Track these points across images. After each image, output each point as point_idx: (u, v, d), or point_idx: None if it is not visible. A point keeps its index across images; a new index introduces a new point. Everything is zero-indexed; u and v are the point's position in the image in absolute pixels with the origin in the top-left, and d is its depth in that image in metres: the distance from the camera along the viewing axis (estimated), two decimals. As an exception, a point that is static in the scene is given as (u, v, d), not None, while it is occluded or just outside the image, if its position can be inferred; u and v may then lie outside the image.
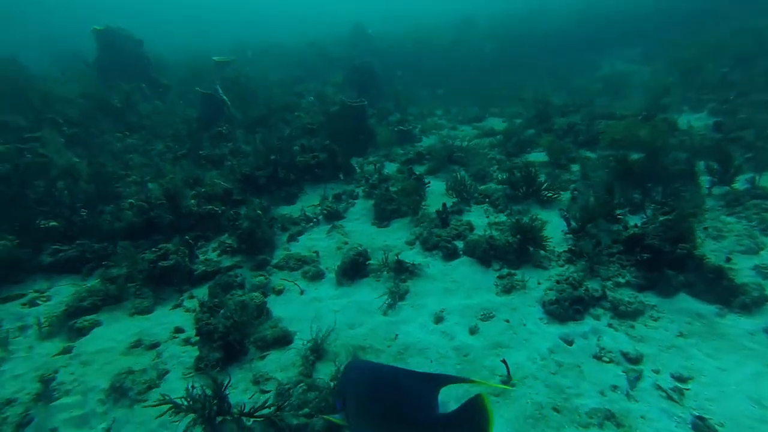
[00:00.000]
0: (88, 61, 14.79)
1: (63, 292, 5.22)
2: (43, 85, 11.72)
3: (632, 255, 4.78)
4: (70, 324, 4.52)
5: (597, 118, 9.69)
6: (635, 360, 3.64)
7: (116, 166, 8.33)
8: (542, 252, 5.23)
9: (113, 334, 4.42)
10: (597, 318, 4.21)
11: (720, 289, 4.28)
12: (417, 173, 7.90)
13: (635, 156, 6.96)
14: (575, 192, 6.64)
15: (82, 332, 4.45)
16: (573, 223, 5.52)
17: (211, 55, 17.25)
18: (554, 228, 5.75)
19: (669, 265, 4.49)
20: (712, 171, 6.64)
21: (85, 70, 14.54)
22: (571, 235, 5.53)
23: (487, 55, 21.04)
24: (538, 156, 8.75)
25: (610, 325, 4.09)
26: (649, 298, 4.39)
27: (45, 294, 5.21)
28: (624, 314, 4.19)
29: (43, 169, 7.19)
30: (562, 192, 6.78)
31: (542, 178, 6.82)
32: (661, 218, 4.85)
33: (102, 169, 7.73)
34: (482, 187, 7.36)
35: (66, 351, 4.20)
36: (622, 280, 4.61)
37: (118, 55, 14.11)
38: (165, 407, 3.00)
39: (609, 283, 4.60)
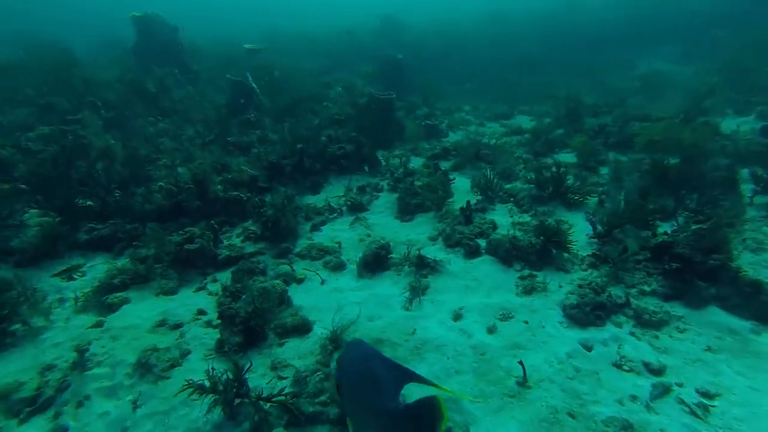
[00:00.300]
0: (126, 47, 15.25)
1: (97, 268, 5.46)
2: (85, 70, 12.16)
3: (660, 263, 4.64)
4: (102, 300, 4.74)
5: (631, 120, 9.37)
6: (658, 371, 3.54)
7: (148, 150, 8.61)
8: (565, 255, 5.13)
9: (140, 312, 4.60)
10: (619, 325, 4.11)
11: (757, 305, 4.10)
12: (442, 169, 7.85)
13: (671, 160, 6.71)
14: (603, 195, 6.46)
15: (112, 308, 4.66)
16: (599, 227, 5.38)
17: (243, 42, 17.51)
18: (579, 231, 5.63)
19: (700, 276, 4.33)
20: (757, 179, 6.33)
21: (123, 56, 15.01)
22: (596, 240, 5.40)
23: (519, 51, 20.56)
24: (566, 157, 8.54)
25: (632, 334, 3.99)
26: (676, 309, 4.25)
27: (81, 269, 5.46)
28: (648, 323, 4.08)
29: (84, 150, 7.49)
30: (589, 195, 6.61)
31: (570, 180, 6.67)
32: (694, 227, 4.67)
33: (135, 152, 8.01)
34: (508, 186, 7.26)
35: (98, 325, 4.40)
36: (647, 289, 4.48)
37: (154, 41, 14.49)
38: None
39: (633, 291, 4.48)
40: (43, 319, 4.44)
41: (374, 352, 2.48)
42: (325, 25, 27.17)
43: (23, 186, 6.48)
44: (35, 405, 3.46)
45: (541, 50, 20.52)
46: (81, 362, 3.84)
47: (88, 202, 6.18)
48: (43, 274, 5.26)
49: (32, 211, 6.10)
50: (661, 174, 6.33)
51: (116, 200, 6.30)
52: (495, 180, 6.98)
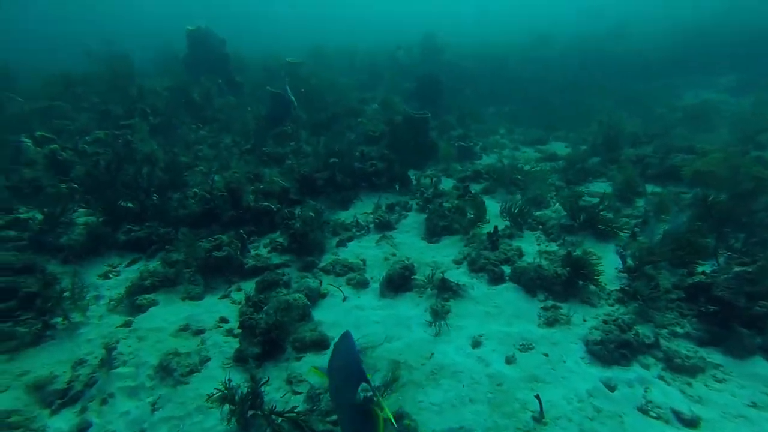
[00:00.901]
0: (178, 57, 16.16)
1: (130, 269, 5.73)
2: (140, 79, 12.97)
3: (695, 305, 4.40)
4: (132, 300, 4.96)
5: (673, 151, 9.01)
6: (690, 422, 3.32)
7: (187, 156, 9.01)
8: (592, 287, 4.97)
9: (166, 315, 4.77)
10: (646, 367, 3.91)
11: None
12: (472, 192, 7.79)
13: (716, 195, 6.38)
14: (636, 228, 6.22)
15: (141, 309, 4.87)
16: (629, 261, 5.18)
17: (287, 55, 18.16)
18: (608, 264, 5.43)
19: (743, 322, 4.07)
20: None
21: (174, 66, 15.91)
22: (625, 274, 5.19)
23: (561, 76, 20.25)
24: (600, 186, 8.30)
25: (661, 378, 3.79)
26: (713, 356, 4.00)
27: (116, 269, 5.74)
28: (679, 368, 3.86)
29: (131, 155, 7.94)
30: (622, 227, 6.38)
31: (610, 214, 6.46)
32: (737, 269, 4.41)
33: (176, 158, 8.41)
34: (537, 213, 7.12)
35: (127, 324, 4.61)
36: (680, 331, 4.26)
37: (203, 53, 15.25)
38: (204, 392, 3.22)
39: (664, 332, 4.27)
40: (80, 315, 4.69)
41: (354, 349, 2.78)
42: (369, 41, 27.78)
43: (76, 186, 6.92)
44: (65, 398, 3.65)
45: (583, 75, 20.12)
46: (109, 360, 4.02)
47: (129, 204, 6.51)
48: (85, 272, 5.56)
49: (81, 210, 6.51)
50: (704, 209, 6.03)
51: (154, 204, 6.61)
52: (524, 206, 6.86)
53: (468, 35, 29.25)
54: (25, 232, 5.68)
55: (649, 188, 7.89)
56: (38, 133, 7.96)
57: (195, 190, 6.84)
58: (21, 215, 6.08)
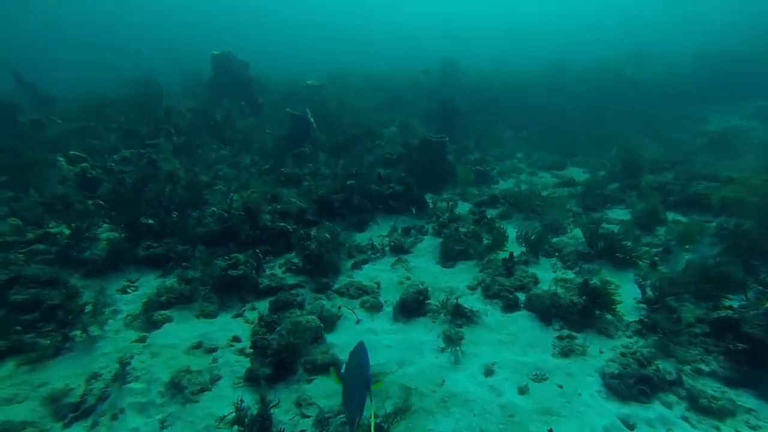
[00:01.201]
0: (203, 80, 16.84)
1: (148, 284, 5.84)
2: (166, 100, 13.53)
3: (722, 341, 4.22)
4: (148, 315, 5.04)
5: (696, 179, 8.81)
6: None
7: (208, 175, 9.26)
8: (609, 317, 4.83)
9: (180, 332, 4.83)
10: (668, 406, 3.75)
11: None
12: (488, 216, 7.75)
13: (746, 224, 6.16)
14: (656, 258, 6.05)
15: (156, 325, 4.93)
16: (649, 292, 5.02)
17: (306, 78, 18.71)
18: (626, 294, 5.29)
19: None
20: None
21: (199, 88, 16.57)
22: (645, 305, 5.03)
23: (578, 101, 20.20)
24: (619, 213, 8.16)
25: (684, 419, 3.62)
26: (744, 399, 3.78)
27: (134, 284, 5.87)
28: (706, 410, 3.66)
29: (155, 174, 8.22)
30: (641, 256, 6.21)
31: (629, 242, 6.30)
32: None
33: (196, 177, 8.65)
34: (554, 239, 7.02)
35: (141, 340, 4.67)
36: (705, 368, 4.07)
37: (226, 76, 15.86)
38: (213, 412, 3.22)
39: (687, 368, 4.10)
40: (99, 328, 4.79)
41: (365, 358, 3.37)
42: (392, 60, 28.35)
43: (102, 202, 7.18)
44: (78, 411, 3.69)
45: (603, 100, 20.02)
46: (122, 375, 4.07)
47: (150, 221, 6.70)
48: (105, 286, 5.69)
49: (105, 225, 6.73)
50: (732, 239, 5.82)
51: (173, 221, 6.78)
52: (541, 233, 6.78)
53: (487, 60, 29.59)
54: (53, 246, 5.89)
55: (670, 216, 7.70)
56: (72, 152, 8.34)
57: (213, 208, 6.98)
58: (51, 230, 6.33)
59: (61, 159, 7.99)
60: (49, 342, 4.41)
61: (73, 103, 13.50)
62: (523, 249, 6.66)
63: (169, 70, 21.62)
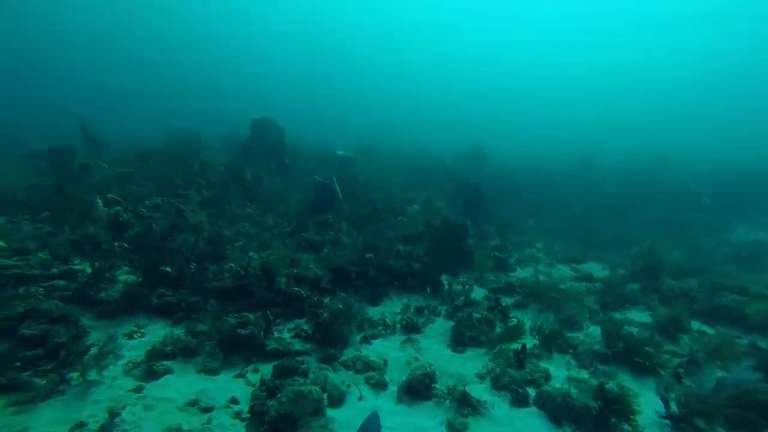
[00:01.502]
0: (240, 140, 18.06)
1: (155, 332, 5.79)
2: (205, 154, 14.43)
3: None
4: (150, 364, 4.94)
5: (722, 290, 8.57)
6: None
7: (231, 231, 9.53)
8: (627, 428, 4.49)
9: (179, 385, 4.69)
10: None
11: None
12: (503, 304, 7.60)
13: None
14: (680, 369, 5.73)
15: (155, 376, 4.82)
16: (673, 407, 4.69)
17: (337, 148, 19.78)
18: (645, 404, 4.94)
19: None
20: None
21: (236, 146, 17.74)
22: (667, 421, 4.68)
23: (603, 198, 20.52)
24: (639, 315, 7.90)
25: None
26: None
27: (142, 330, 5.84)
28: None
29: (182, 224, 8.53)
30: (663, 364, 5.89)
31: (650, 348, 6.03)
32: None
33: (220, 232, 8.90)
34: (569, 334, 6.78)
35: (138, 390, 4.54)
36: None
37: (262, 138, 17.03)
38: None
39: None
40: (97, 373, 4.70)
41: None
42: (422, 138, 29.72)
43: (126, 245, 7.42)
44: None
45: (627, 200, 20.24)
46: (109, 426, 3.90)
47: (168, 269, 6.82)
48: (114, 329, 5.68)
49: (125, 268, 6.88)
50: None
51: (191, 272, 6.89)
52: (556, 327, 6.58)
53: (516, 151, 30.82)
54: (72, 283, 6.01)
55: (695, 325, 7.40)
56: (110, 195, 8.81)
57: (231, 264, 7.09)
58: (74, 266, 6.50)
59: (99, 201, 8.42)
60: (44, 383, 4.32)
61: (123, 151, 14.55)
62: (536, 342, 6.43)
63: (217, 128, 23.41)
